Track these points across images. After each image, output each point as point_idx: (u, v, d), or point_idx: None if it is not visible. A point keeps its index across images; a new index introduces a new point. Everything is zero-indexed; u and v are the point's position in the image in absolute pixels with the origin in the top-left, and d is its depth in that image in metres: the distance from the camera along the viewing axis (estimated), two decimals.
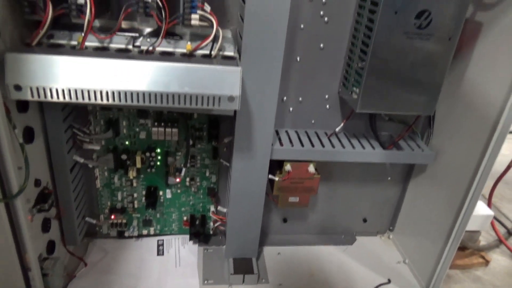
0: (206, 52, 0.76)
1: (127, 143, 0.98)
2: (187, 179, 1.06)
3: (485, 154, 0.86)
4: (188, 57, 0.73)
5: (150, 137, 0.97)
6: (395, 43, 0.82)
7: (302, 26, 0.92)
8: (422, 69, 0.85)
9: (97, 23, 0.78)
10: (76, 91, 0.66)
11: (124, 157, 0.98)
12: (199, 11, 0.72)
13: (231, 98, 0.71)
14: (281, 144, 0.96)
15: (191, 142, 0.99)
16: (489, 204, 1.52)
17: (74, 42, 0.72)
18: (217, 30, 0.73)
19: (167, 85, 0.68)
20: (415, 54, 0.84)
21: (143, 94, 0.68)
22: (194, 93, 0.69)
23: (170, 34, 0.77)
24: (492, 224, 1.48)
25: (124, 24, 0.84)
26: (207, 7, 0.72)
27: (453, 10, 0.80)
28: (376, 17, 0.80)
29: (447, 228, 0.97)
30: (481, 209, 1.29)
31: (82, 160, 0.95)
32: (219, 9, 0.89)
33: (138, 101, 0.68)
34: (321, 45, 0.94)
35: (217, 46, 0.75)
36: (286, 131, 1.03)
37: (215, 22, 0.72)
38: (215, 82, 0.69)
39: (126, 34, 0.76)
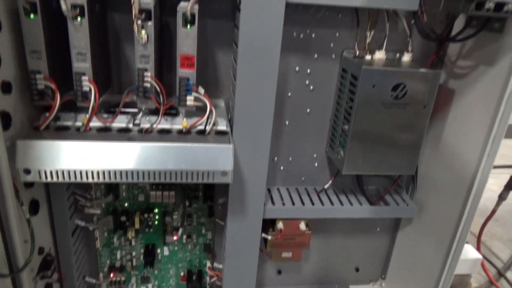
0: (201, 127, 0.82)
1: (126, 205, 1.03)
2: (184, 237, 1.10)
3: (465, 208, 0.91)
4: (184, 134, 0.80)
5: (148, 199, 1.02)
6: (374, 112, 0.89)
7: (289, 94, 0.99)
8: (401, 134, 0.92)
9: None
10: (81, 172, 0.72)
11: (123, 219, 1.02)
12: (193, 93, 0.78)
13: (224, 173, 0.76)
14: (273, 203, 1.01)
15: (187, 203, 1.04)
16: (478, 243, 1.56)
17: (79, 123, 0.78)
18: (210, 111, 0.80)
19: (164, 163, 0.74)
20: (394, 121, 0.91)
21: (143, 172, 0.74)
22: (189, 169, 0.75)
23: (168, 108, 0.84)
24: (482, 265, 1.51)
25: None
26: (201, 90, 0.79)
27: (426, 83, 0.88)
28: (356, 90, 0.87)
29: (437, 274, 1.01)
30: (470, 252, 1.33)
31: (83, 224, 0.99)
32: (212, 80, 0.97)
33: (138, 179, 0.74)
34: (308, 110, 1.02)
35: (211, 123, 0.81)
36: (278, 189, 1.08)
37: (209, 103, 0.79)
38: (209, 159, 0.75)
39: (127, 110, 0.83)
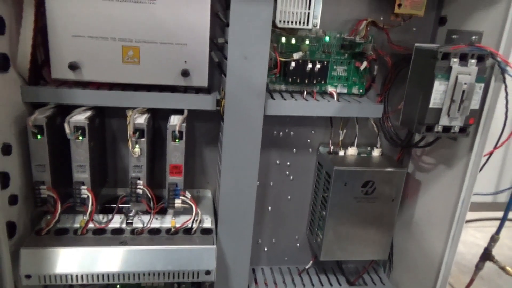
0: (188, 224, 0.90)
1: None
2: None
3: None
4: (172, 234, 0.88)
5: None
6: (347, 205, 0.98)
7: (271, 183, 1.08)
8: (373, 223, 1.01)
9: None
10: (77, 275, 0.79)
11: None
12: (181, 197, 0.87)
13: (207, 272, 0.84)
14: (256, 284, 1.08)
15: None
16: None
17: (77, 225, 0.86)
18: (196, 213, 0.88)
19: (153, 265, 0.81)
20: (366, 213, 0.99)
21: (133, 274, 0.81)
22: (176, 270, 0.82)
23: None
24: None
25: (119, 190, 1.00)
26: (188, 194, 0.88)
27: (393, 180, 0.97)
28: (330, 186, 0.96)
29: None
30: None
31: None
32: (200, 172, 1.06)
33: (129, 279, 0.81)
34: (289, 197, 1.10)
35: (197, 221, 0.90)
36: (262, 269, 1.15)
37: (194, 206, 0.88)
38: (194, 260, 0.83)
39: (122, 206, 0.91)
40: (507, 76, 0.75)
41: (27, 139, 0.79)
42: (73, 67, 0.79)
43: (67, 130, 0.79)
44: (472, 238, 1.94)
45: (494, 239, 1.03)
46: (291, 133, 1.04)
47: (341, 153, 1.04)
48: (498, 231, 1.01)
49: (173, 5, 0.79)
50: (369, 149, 1.07)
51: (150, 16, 0.79)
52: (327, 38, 0.95)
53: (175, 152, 0.85)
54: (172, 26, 0.80)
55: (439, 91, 0.75)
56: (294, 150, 1.06)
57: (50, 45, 0.78)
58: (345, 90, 1.00)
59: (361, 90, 1.00)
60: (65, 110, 0.82)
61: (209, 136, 1.02)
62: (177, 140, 0.84)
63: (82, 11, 0.77)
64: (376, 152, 1.05)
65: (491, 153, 0.82)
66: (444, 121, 0.77)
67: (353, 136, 1.05)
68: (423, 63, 0.79)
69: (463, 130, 0.80)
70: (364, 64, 0.95)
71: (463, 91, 0.75)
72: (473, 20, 0.86)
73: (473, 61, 0.75)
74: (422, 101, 0.78)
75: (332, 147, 1.05)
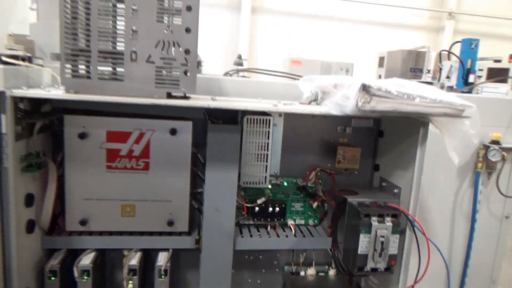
0: None
1: None
2: None
3: None
4: None
5: None
6: None
7: None
8: None
9: None
10: None
11: None
12: None
13: None
14: None
15: None
16: None
17: None
18: None
19: None
20: None
21: None
22: None
23: None
24: None
25: None
26: None
27: None
28: None
29: None
30: None
31: None
32: None
33: None
34: None
35: None
36: None
37: None
38: None
39: None
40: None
41: (43, 280, 1.00)
42: (83, 222, 1.02)
43: (76, 274, 1.00)
44: None
45: None
46: (260, 257, 1.25)
47: (302, 273, 1.25)
48: None
49: (161, 174, 1.04)
50: (326, 267, 1.27)
51: (144, 182, 1.04)
52: (285, 183, 1.19)
53: (161, 286, 1.05)
54: (160, 188, 1.05)
55: (364, 242, 0.98)
56: (263, 271, 1.26)
57: (67, 207, 1.02)
58: (303, 222, 1.23)
59: (315, 221, 1.23)
60: (74, 252, 1.04)
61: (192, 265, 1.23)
62: (163, 276, 1.05)
63: (93, 181, 1.02)
64: (331, 272, 1.26)
65: (412, 287, 1.03)
66: (371, 264, 0.99)
67: (311, 258, 1.26)
68: (353, 216, 1.03)
69: (387, 269, 1.01)
70: (316, 203, 1.19)
71: (382, 242, 0.97)
72: (395, 176, 1.11)
73: (388, 218, 0.98)
74: (354, 247, 1.00)
75: (294, 268, 1.25)
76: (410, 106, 0.80)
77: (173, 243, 1.08)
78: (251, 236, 1.13)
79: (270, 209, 1.16)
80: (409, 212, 0.99)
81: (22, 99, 0.87)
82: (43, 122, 0.98)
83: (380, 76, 2.29)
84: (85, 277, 1.02)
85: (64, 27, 0.83)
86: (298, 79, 1.16)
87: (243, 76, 1.54)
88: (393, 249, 0.99)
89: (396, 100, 0.79)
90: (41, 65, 1.04)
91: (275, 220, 1.19)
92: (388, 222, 0.98)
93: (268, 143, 1.08)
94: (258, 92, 1.15)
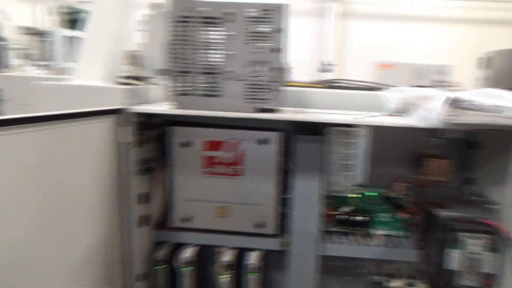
0: None
1: None
2: None
3: None
4: None
5: None
6: None
7: None
8: None
9: None
10: None
11: None
12: None
13: None
14: None
15: None
16: None
17: None
18: None
19: None
20: None
21: None
22: None
23: None
24: None
25: None
26: None
27: None
28: None
29: None
30: None
31: None
32: None
33: None
34: None
35: None
36: None
37: None
38: None
39: None
40: None
41: (152, 268, 1.17)
42: (185, 220, 1.17)
43: (178, 264, 1.15)
44: None
45: None
46: (347, 264, 1.28)
47: (386, 284, 1.24)
48: None
49: (250, 180, 1.14)
50: (412, 280, 1.24)
51: (236, 187, 1.15)
52: (371, 193, 1.21)
53: (253, 283, 1.15)
54: (251, 193, 1.15)
55: (453, 257, 0.95)
56: (349, 278, 1.29)
57: (172, 207, 1.18)
58: (389, 232, 1.22)
59: (402, 232, 1.21)
60: (177, 245, 1.20)
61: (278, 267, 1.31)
62: (254, 274, 1.14)
63: (193, 184, 1.16)
64: (419, 285, 1.22)
65: None
66: (461, 281, 0.96)
67: (398, 269, 1.24)
68: (442, 230, 1.00)
69: None
70: (402, 214, 1.18)
71: (472, 259, 0.94)
72: (492, 191, 1.05)
73: (482, 235, 0.94)
74: (440, 262, 0.98)
75: (378, 278, 1.25)
76: (501, 119, 0.76)
77: (261, 244, 1.18)
78: (340, 243, 1.17)
79: (356, 218, 1.19)
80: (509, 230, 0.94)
81: (140, 114, 1.05)
82: (155, 132, 1.15)
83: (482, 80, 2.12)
84: (187, 268, 1.16)
85: (172, 50, 0.98)
86: (385, 89, 1.17)
87: (330, 87, 1.58)
88: (487, 268, 0.95)
89: (486, 112, 0.77)
90: (154, 84, 1.22)
91: (361, 229, 1.21)
92: (481, 239, 0.94)
93: (353, 153, 1.11)
94: (345, 103, 1.19)
